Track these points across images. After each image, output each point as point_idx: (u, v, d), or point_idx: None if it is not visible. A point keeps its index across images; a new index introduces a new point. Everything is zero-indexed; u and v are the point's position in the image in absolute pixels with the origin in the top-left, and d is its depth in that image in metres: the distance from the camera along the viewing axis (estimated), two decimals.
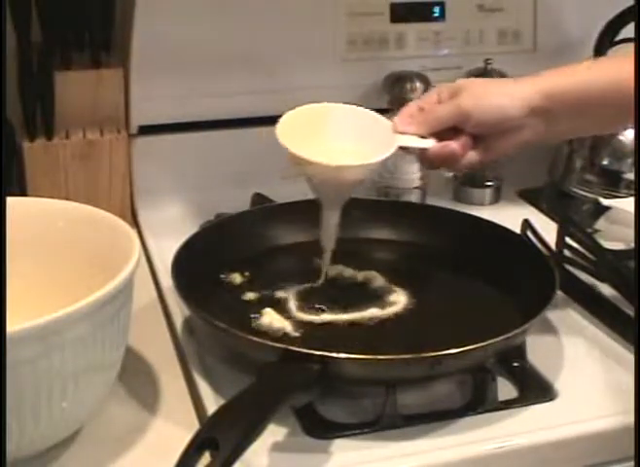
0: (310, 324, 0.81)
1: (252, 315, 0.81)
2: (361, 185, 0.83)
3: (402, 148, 0.80)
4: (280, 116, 1.14)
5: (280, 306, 0.83)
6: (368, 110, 0.84)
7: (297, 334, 0.80)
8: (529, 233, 0.96)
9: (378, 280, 0.89)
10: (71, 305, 0.60)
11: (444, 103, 0.81)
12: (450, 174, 1.17)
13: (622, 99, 0.77)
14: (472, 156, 0.80)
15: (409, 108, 0.82)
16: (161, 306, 0.90)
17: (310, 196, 0.82)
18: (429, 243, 0.95)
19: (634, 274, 0.87)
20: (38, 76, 1.00)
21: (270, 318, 0.81)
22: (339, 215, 0.83)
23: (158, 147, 1.11)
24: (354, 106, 0.84)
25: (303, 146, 0.78)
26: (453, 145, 0.79)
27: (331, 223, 0.83)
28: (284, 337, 0.79)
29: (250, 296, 0.86)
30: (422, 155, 0.81)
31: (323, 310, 0.83)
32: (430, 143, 0.80)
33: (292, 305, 0.84)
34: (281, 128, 0.79)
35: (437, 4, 1.18)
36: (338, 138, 0.81)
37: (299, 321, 0.81)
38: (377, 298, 0.85)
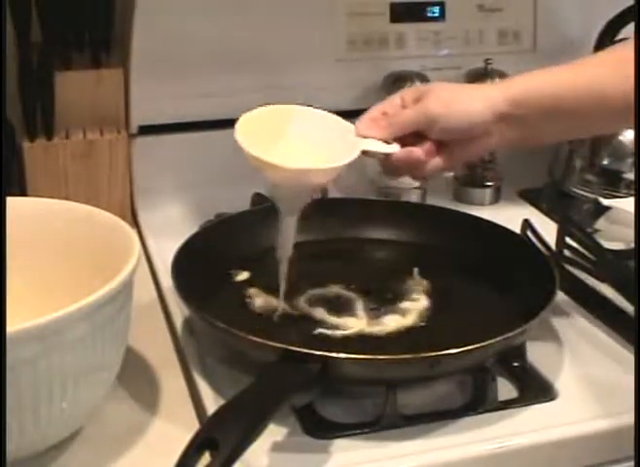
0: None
1: (247, 301, 0.83)
2: (321, 189, 0.78)
3: (364, 152, 0.77)
4: None
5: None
6: (330, 113, 0.81)
7: (295, 312, 0.82)
8: (529, 233, 0.96)
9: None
10: (71, 306, 0.60)
11: (409, 108, 0.79)
12: (451, 174, 1.17)
13: (599, 104, 0.75)
14: (436, 162, 0.78)
15: (372, 112, 0.80)
16: (161, 306, 0.90)
17: None
18: (429, 243, 0.95)
19: (634, 274, 0.87)
20: (38, 76, 0.99)
21: (263, 298, 0.82)
22: (297, 221, 0.79)
23: (158, 147, 1.11)
24: (316, 109, 0.80)
25: (264, 148, 0.75)
26: (418, 151, 0.77)
27: (289, 229, 0.79)
28: (282, 315, 0.81)
29: (250, 295, 0.86)
30: (385, 161, 0.78)
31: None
32: (394, 148, 0.78)
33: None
34: (241, 129, 0.76)
35: (436, 4, 1.18)
36: (300, 141, 0.78)
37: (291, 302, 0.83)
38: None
